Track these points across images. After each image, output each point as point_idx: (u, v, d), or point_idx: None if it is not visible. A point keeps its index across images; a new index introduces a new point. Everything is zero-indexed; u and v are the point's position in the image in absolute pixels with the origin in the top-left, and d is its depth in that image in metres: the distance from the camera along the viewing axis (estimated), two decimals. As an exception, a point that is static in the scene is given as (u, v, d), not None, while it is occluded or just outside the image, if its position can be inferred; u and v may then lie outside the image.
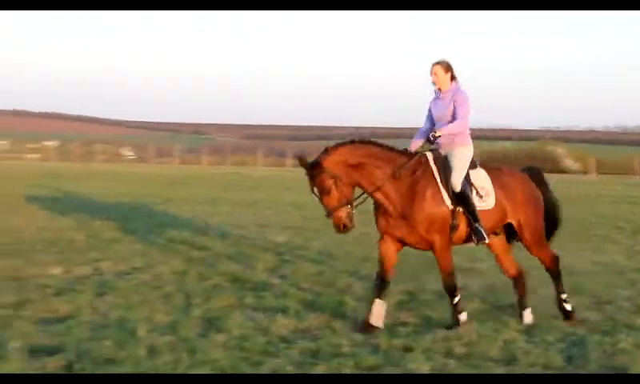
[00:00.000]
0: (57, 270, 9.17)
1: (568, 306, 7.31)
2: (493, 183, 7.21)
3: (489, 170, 7.34)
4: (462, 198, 6.97)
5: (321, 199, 6.77)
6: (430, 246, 6.98)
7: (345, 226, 6.76)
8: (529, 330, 6.78)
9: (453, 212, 6.97)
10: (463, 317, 6.98)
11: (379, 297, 6.90)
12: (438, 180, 7.00)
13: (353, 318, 7.10)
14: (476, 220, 6.98)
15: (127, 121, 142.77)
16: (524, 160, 43.62)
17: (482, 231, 6.97)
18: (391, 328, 6.78)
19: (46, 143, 73.43)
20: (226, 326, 6.59)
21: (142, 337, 6.11)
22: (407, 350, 6.11)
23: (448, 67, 7.22)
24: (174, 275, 9.08)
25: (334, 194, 6.72)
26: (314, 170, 6.74)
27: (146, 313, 6.85)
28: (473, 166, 7.21)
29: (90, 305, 7.33)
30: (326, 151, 6.84)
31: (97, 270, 9.38)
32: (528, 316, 7.24)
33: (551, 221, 7.61)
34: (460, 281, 9.20)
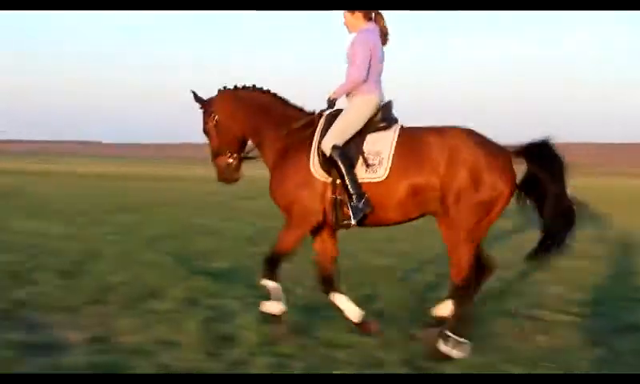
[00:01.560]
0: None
1: (445, 346, 5.51)
2: (399, 149, 5.75)
3: (414, 132, 5.85)
4: (334, 164, 5.80)
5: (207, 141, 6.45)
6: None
7: (224, 176, 6.34)
8: None
9: (334, 183, 5.82)
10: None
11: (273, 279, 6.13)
12: (315, 143, 5.94)
13: None
14: (351, 194, 5.72)
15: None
16: None
17: (356, 209, 5.71)
18: None
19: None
20: None
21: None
22: None
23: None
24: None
25: (214, 138, 6.32)
26: (201, 108, 6.40)
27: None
28: (385, 125, 5.91)
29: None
30: (219, 91, 6.36)
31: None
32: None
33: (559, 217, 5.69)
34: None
